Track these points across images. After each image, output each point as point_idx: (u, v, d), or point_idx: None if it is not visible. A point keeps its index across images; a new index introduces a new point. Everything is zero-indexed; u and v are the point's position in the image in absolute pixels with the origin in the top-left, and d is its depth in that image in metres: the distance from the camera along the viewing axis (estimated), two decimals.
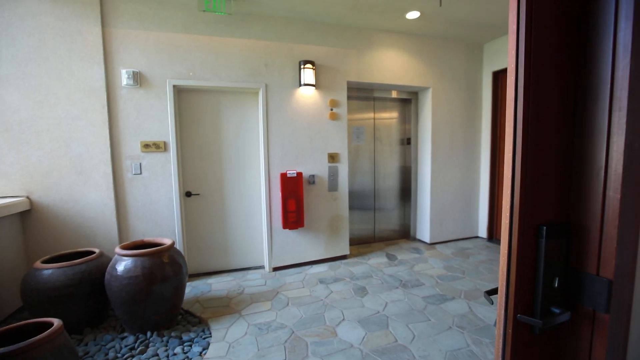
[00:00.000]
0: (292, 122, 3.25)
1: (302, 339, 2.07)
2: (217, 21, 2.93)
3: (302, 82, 3.17)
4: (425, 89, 3.91)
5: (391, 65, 3.65)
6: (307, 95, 3.29)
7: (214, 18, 2.91)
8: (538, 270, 0.69)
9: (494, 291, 0.80)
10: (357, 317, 2.33)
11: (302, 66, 3.15)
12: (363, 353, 1.91)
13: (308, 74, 3.15)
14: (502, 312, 0.71)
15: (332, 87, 3.39)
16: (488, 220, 4.16)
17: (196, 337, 2.13)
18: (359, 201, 4.05)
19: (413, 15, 3.13)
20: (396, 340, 2.03)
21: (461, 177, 4.16)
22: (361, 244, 4.09)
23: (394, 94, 4.02)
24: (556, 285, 0.70)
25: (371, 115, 4.03)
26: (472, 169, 4.23)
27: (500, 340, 0.73)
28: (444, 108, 3.97)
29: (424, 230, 4.11)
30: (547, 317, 0.68)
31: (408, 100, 4.14)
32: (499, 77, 4.00)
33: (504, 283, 0.71)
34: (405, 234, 4.36)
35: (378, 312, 2.40)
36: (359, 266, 3.35)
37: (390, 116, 4.15)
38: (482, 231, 4.25)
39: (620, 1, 0.61)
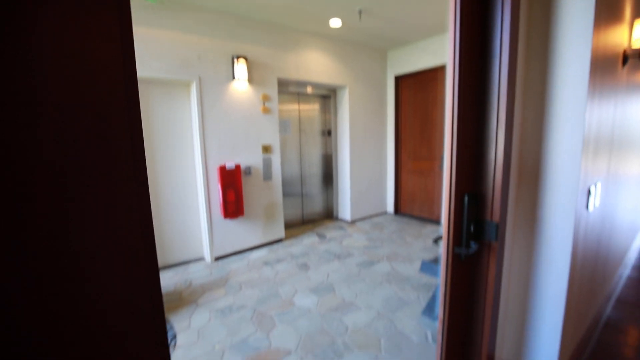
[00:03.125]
0: (228, 115, 3.32)
1: (266, 313, 2.34)
2: (146, 9, 2.75)
3: (235, 77, 3.26)
4: (343, 86, 4.44)
5: (315, 65, 4.03)
6: (241, 90, 3.40)
7: (143, 5, 2.73)
8: (463, 221, 1.18)
9: (439, 238, 1.27)
10: (307, 288, 2.71)
11: (235, 60, 3.23)
12: (321, 313, 2.31)
13: (241, 69, 3.26)
14: (446, 246, 1.18)
15: (264, 83, 3.58)
16: (394, 198, 5.05)
17: None
18: (288, 188, 4.38)
19: (336, 23, 3.55)
20: (344, 300, 2.49)
21: (372, 164, 4.92)
22: (292, 227, 4.46)
23: (317, 90, 4.43)
24: (472, 229, 1.20)
25: (297, 108, 4.35)
26: (381, 156, 5.04)
27: (444, 265, 1.20)
28: (359, 104, 4.59)
29: (346, 210, 4.73)
30: (468, 248, 1.18)
31: (328, 96, 4.62)
32: (399, 80, 4.83)
33: (447, 229, 1.17)
34: (329, 215, 4.92)
35: (323, 281, 2.83)
36: (296, 246, 3.72)
37: (313, 109, 4.56)
38: (390, 207, 5.15)
39: (503, 34, 1.11)
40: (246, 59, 3.31)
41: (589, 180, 1.38)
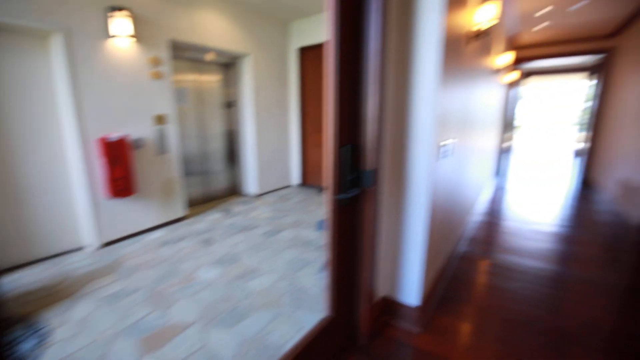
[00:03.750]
0: (109, 78, 2.84)
1: (164, 292, 2.20)
2: None
3: (115, 33, 2.78)
4: (245, 55, 4.25)
5: (215, 28, 3.73)
6: (125, 49, 2.92)
7: None
8: (343, 170, 1.31)
9: (322, 189, 1.39)
10: (211, 261, 2.64)
11: (113, 12, 2.74)
12: (225, 282, 2.30)
13: (123, 24, 2.78)
14: (330, 195, 1.30)
15: (155, 43, 3.15)
16: (301, 170, 5.22)
17: (23, 334, 1.83)
18: (190, 164, 4.08)
19: None
20: (248, 267, 2.53)
21: (277, 136, 4.94)
22: (197, 204, 4.22)
23: (218, 58, 4.14)
24: (350, 178, 1.35)
25: (196, 77, 4.01)
26: (286, 129, 5.09)
27: (329, 212, 1.33)
28: (262, 74, 4.49)
29: (251, 184, 4.69)
30: (348, 194, 1.32)
31: (231, 65, 4.38)
32: (303, 52, 4.87)
33: (329, 179, 1.29)
34: (235, 190, 4.80)
35: (228, 253, 2.80)
36: (199, 224, 3.55)
37: (214, 80, 4.26)
38: (296, 179, 5.31)
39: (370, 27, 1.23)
40: (130, 13, 2.84)
41: (441, 138, 1.68)
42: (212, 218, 3.74)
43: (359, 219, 1.49)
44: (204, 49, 3.86)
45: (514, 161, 8.54)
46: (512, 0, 3.33)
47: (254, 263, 2.59)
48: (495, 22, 2.02)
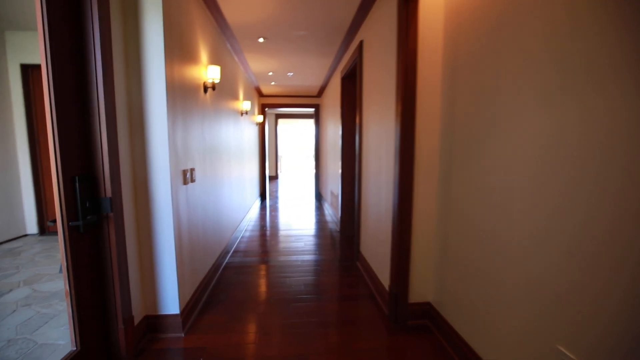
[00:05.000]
0: None
1: None
2: None
3: None
4: None
5: None
6: None
7: None
8: (77, 198, 1.39)
9: (53, 220, 1.39)
10: None
11: None
12: None
13: None
14: (60, 223, 1.33)
15: None
16: (37, 214, 4.14)
17: None
18: None
19: None
20: None
21: None
22: None
23: None
24: (88, 205, 1.44)
25: None
26: (7, 163, 3.94)
27: (61, 241, 1.35)
28: None
29: None
30: (85, 220, 1.41)
31: None
32: (32, 71, 4.00)
33: (59, 209, 1.33)
34: None
35: None
36: None
37: None
38: (32, 227, 4.15)
39: (97, 62, 1.43)
40: None
41: (181, 166, 2.05)
42: None
43: (101, 246, 1.57)
44: None
45: (280, 184, 10.47)
46: (249, 60, 4.36)
47: None
48: (218, 80, 2.67)
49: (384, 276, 2.35)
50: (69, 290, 1.40)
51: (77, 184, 1.38)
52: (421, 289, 2.11)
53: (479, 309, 1.56)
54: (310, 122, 12.77)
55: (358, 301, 2.47)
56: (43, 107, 4.20)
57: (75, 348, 1.44)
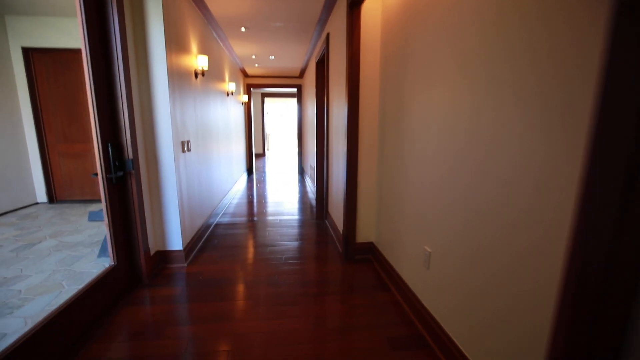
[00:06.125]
0: None
1: None
2: None
3: None
4: None
5: None
6: None
7: None
8: (109, 158, 1.98)
9: (95, 174, 1.99)
10: None
11: None
12: None
13: None
14: (101, 175, 1.94)
15: None
16: (46, 185, 4.66)
17: None
18: None
19: None
20: (5, 278, 2.46)
21: (4, 148, 4.22)
22: None
23: None
24: (117, 163, 2.03)
25: None
26: (16, 139, 4.40)
27: (102, 188, 1.96)
28: None
29: None
30: (115, 174, 2.01)
31: None
32: (32, 54, 4.38)
33: (100, 166, 1.92)
34: None
35: None
36: None
37: None
38: (42, 196, 4.68)
39: (118, 51, 1.99)
40: None
41: (180, 137, 2.63)
42: None
43: (127, 194, 2.18)
44: None
45: (268, 159, 11.04)
46: (233, 46, 4.82)
47: (12, 273, 2.53)
48: (207, 68, 3.20)
49: (341, 226, 3.04)
50: (108, 222, 2.02)
51: (109, 148, 1.97)
52: (366, 232, 2.81)
53: (394, 244, 2.26)
54: (295, 102, 13.17)
55: (323, 245, 3.17)
56: (46, 88, 4.66)
57: (114, 263, 2.09)
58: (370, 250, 2.83)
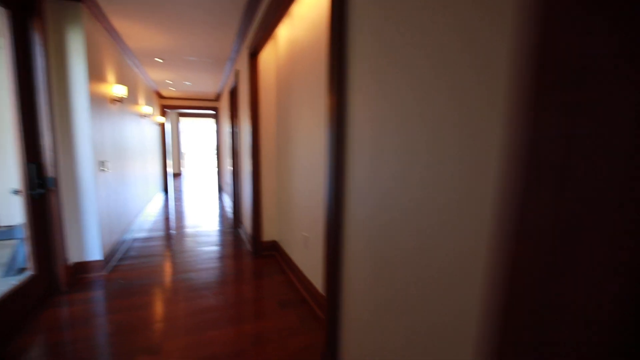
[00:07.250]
0: None
1: None
2: None
3: None
4: None
5: None
6: None
7: None
8: (32, 177, 2.25)
9: (17, 190, 2.23)
10: None
11: None
12: None
13: None
14: (24, 192, 2.20)
15: None
16: None
17: None
18: None
19: None
20: None
21: None
22: None
23: None
24: (38, 182, 2.30)
25: None
26: None
27: (26, 203, 2.21)
28: None
29: None
30: (37, 191, 2.28)
31: None
32: None
33: (23, 184, 2.18)
34: None
35: None
36: None
37: None
38: None
39: (41, 85, 2.31)
40: None
41: (99, 157, 2.94)
42: None
43: (48, 210, 2.42)
44: None
45: (185, 179, 10.88)
46: (148, 72, 5.10)
47: None
48: (124, 95, 3.54)
49: (250, 230, 3.65)
50: (29, 235, 2.25)
51: (32, 167, 2.25)
52: (270, 232, 3.47)
53: (289, 237, 2.98)
54: (213, 121, 13.35)
55: (236, 247, 3.71)
56: None
57: (34, 273, 2.30)
58: (274, 247, 3.49)
